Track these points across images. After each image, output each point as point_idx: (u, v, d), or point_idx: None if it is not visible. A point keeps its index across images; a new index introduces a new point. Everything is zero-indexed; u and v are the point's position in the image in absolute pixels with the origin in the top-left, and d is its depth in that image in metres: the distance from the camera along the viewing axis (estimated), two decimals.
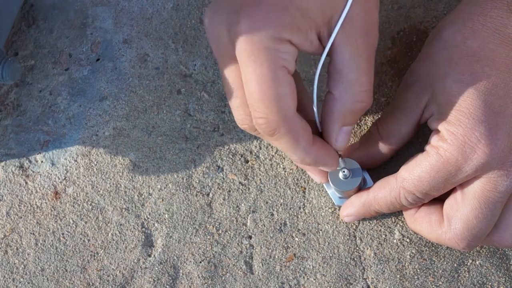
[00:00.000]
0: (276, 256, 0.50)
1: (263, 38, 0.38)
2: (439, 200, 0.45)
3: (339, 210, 0.50)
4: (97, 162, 0.53)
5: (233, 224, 0.51)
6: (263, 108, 0.39)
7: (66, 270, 0.51)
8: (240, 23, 0.38)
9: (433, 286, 0.48)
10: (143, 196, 0.52)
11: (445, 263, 0.49)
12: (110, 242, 0.51)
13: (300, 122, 0.41)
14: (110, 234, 0.51)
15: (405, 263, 0.49)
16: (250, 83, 0.39)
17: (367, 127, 0.51)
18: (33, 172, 0.53)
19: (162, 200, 0.52)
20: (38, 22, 0.56)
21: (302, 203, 0.50)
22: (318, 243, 0.50)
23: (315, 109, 0.43)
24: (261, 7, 0.38)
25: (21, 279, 0.51)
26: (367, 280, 0.49)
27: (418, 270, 0.49)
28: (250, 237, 0.50)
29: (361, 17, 0.40)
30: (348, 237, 0.50)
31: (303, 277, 0.49)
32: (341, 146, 0.44)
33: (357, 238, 0.49)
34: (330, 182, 0.48)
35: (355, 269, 0.49)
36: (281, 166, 0.51)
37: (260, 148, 0.52)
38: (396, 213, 0.50)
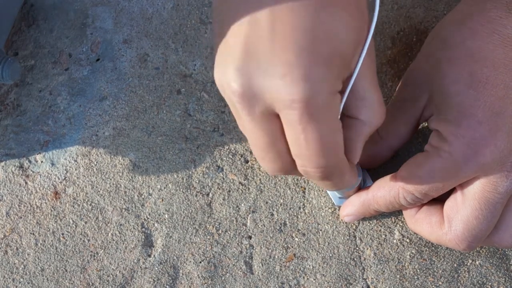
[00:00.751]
0: (276, 256, 0.50)
1: (322, 98, 0.35)
2: (439, 201, 0.45)
3: (339, 210, 0.50)
4: (97, 162, 0.53)
5: (233, 224, 0.51)
6: (321, 160, 0.38)
7: (66, 270, 0.51)
8: (296, 89, 0.35)
9: (433, 286, 0.48)
10: (143, 196, 0.52)
11: (445, 263, 0.49)
12: (110, 242, 0.51)
13: (345, 159, 0.40)
14: (110, 234, 0.51)
15: (405, 263, 0.49)
16: (311, 141, 0.37)
17: None
18: (33, 172, 0.53)
19: (162, 200, 0.52)
20: (38, 22, 0.56)
21: (302, 203, 0.50)
22: (318, 243, 0.50)
23: None
24: (311, 66, 0.35)
25: (21, 279, 0.51)
26: (367, 280, 0.49)
27: (418, 270, 0.49)
28: (250, 237, 0.50)
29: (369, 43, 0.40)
30: (348, 237, 0.50)
31: (303, 277, 0.49)
32: (357, 161, 0.44)
33: (357, 238, 0.49)
34: None
35: (355, 269, 0.49)
36: None
37: None
38: (396, 213, 0.49)
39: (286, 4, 0.34)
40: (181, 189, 0.52)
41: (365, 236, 0.49)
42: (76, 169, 0.53)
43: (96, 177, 0.52)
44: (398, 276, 0.49)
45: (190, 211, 0.51)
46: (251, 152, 0.52)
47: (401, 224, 0.49)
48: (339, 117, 0.38)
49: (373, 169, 0.49)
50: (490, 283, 0.48)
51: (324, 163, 0.38)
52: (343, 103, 0.40)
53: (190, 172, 0.52)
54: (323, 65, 0.35)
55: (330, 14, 0.35)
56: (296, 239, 0.50)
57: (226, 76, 0.36)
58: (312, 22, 0.35)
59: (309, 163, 0.38)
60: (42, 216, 0.52)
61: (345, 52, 0.36)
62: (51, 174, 0.53)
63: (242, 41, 0.36)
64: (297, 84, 0.35)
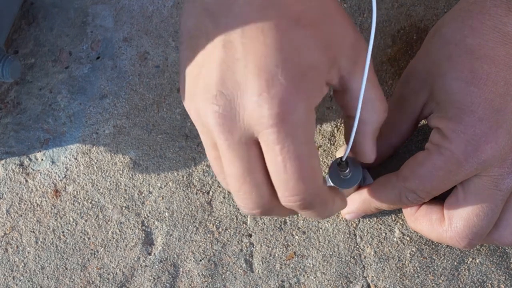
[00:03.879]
0: (276, 254, 0.50)
1: (299, 114, 0.35)
2: (439, 199, 0.45)
3: None
4: (97, 160, 0.53)
5: (233, 222, 0.51)
6: (301, 185, 0.37)
7: (66, 268, 0.51)
8: (272, 105, 0.35)
9: (433, 284, 0.48)
10: (143, 194, 0.52)
11: (445, 261, 0.49)
12: (110, 240, 0.51)
13: (327, 188, 0.40)
14: (110, 232, 0.51)
15: (405, 261, 0.49)
16: (288, 164, 0.36)
17: None
18: (33, 170, 0.53)
19: (162, 198, 0.52)
20: (38, 20, 0.56)
21: None
22: (318, 241, 0.50)
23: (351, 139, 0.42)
24: (286, 83, 0.35)
25: (21, 277, 0.51)
26: (367, 278, 0.49)
27: (418, 268, 0.49)
28: (250, 235, 0.50)
29: None
30: (348, 235, 0.50)
31: (303, 275, 0.49)
32: (374, 158, 0.44)
33: (357, 236, 0.49)
34: (330, 181, 0.48)
35: (355, 267, 0.49)
36: None
37: None
38: (396, 211, 0.49)
39: (256, 26, 0.36)
40: (182, 187, 0.52)
41: (365, 234, 0.49)
42: (76, 167, 0.53)
43: (96, 175, 0.52)
44: (398, 274, 0.49)
45: (191, 209, 0.51)
46: None
47: (401, 222, 0.49)
48: (314, 138, 0.38)
49: (373, 167, 0.49)
50: (490, 281, 0.48)
51: (303, 189, 0.37)
52: (359, 106, 0.40)
53: (191, 170, 0.52)
54: (297, 81, 0.35)
55: (298, 35, 0.36)
56: (297, 237, 0.50)
57: (205, 101, 0.36)
58: (282, 41, 0.35)
59: (288, 190, 0.37)
60: (43, 214, 0.52)
61: (319, 67, 0.36)
62: (51, 172, 0.53)
63: (218, 65, 0.36)
64: (273, 101, 0.35)
